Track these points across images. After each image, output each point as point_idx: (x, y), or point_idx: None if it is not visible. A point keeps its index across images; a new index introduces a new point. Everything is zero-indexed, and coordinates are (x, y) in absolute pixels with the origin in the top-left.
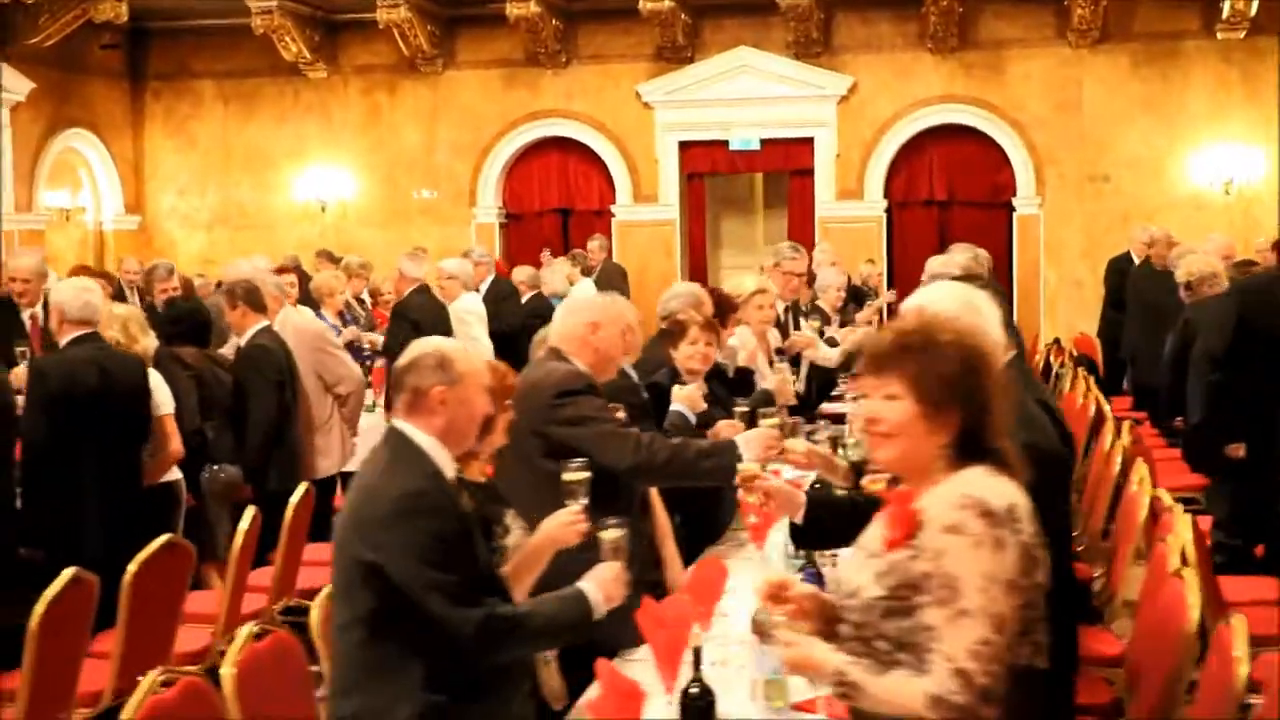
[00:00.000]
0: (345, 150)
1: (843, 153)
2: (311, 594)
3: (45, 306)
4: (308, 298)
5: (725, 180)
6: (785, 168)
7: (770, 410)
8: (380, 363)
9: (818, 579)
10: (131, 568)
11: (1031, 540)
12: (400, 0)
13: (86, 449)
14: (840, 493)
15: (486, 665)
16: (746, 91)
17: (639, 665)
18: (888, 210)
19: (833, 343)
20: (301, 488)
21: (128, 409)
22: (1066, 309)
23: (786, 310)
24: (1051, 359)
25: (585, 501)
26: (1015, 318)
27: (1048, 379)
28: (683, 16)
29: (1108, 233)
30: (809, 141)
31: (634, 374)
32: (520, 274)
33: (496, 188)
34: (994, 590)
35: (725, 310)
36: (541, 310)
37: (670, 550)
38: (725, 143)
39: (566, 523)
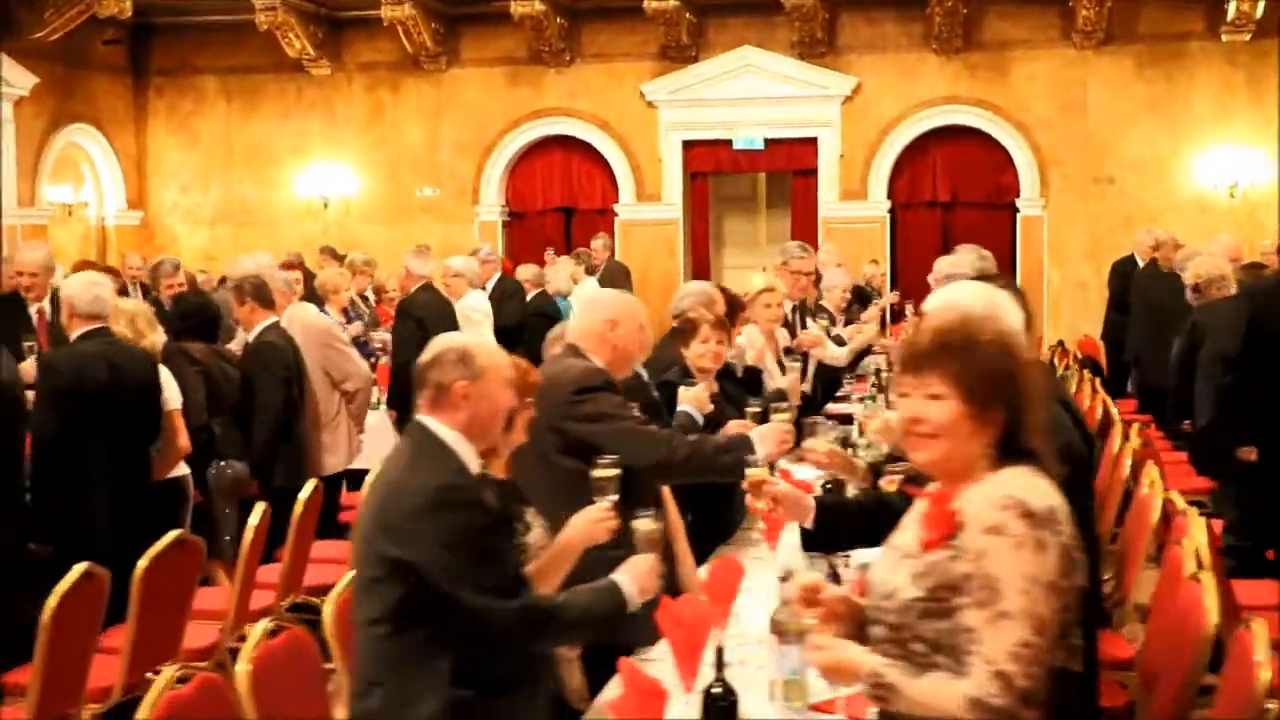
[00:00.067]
0: (348, 147)
1: (846, 153)
2: (319, 591)
3: (53, 301)
4: (312, 294)
5: (728, 180)
6: (789, 168)
7: (783, 406)
8: (385, 360)
9: (835, 579)
10: (142, 563)
11: (1071, 542)
12: None
13: (96, 444)
14: (854, 493)
15: (519, 657)
16: (750, 91)
17: (655, 665)
18: (891, 211)
19: (839, 341)
20: (310, 484)
21: (137, 404)
22: (1070, 311)
23: (794, 309)
24: (1055, 361)
25: (615, 498)
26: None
27: None
28: (687, 15)
29: (1111, 234)
30: (813, 141)
31: (644, 373)
32: (524, 272)
33: (499, 186)
34: (1035, 592)
35: (733, 309)
36: (545, 308)
37: (682, 548)
38: (729, 142)
39: (596, 519)
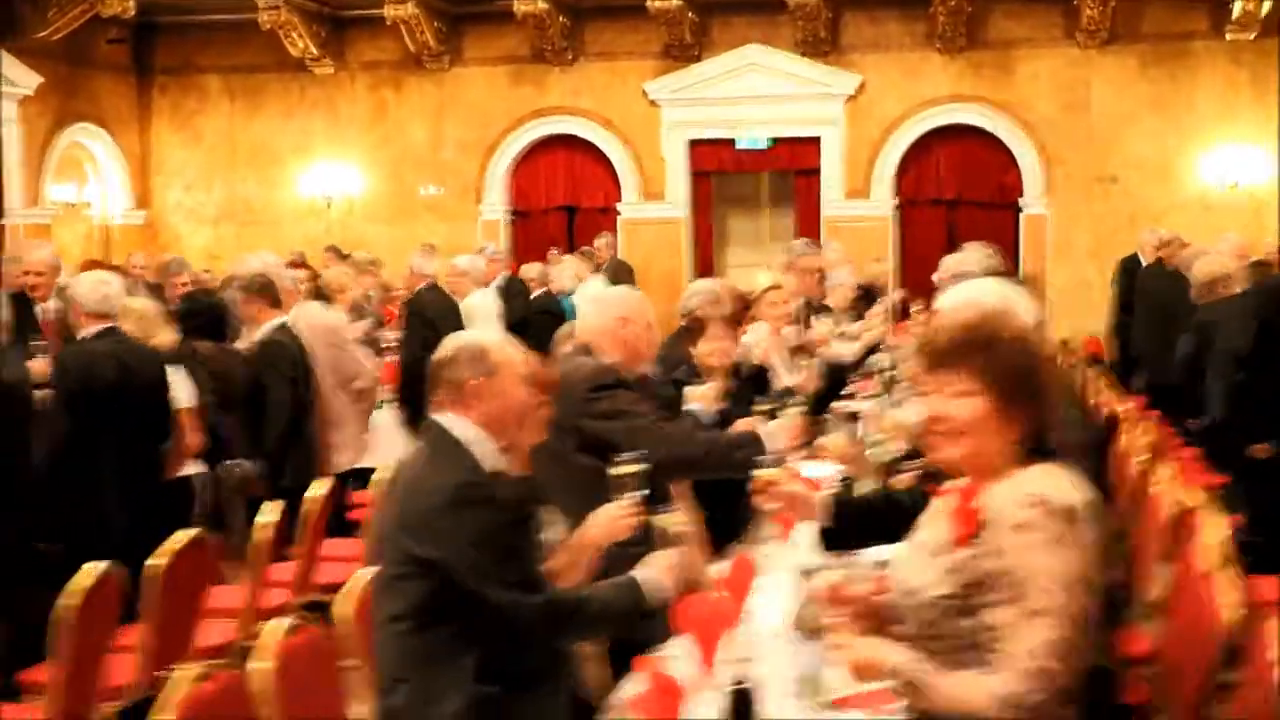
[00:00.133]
0: (351, 146)
1: (850, 152)
2: (331, 589)
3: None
4: (318, 293)
5: (732, 178)
6: (792, 166)
7: (794, 401)
8: (390, 359)
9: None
10: (159, 561)
11: (1097, 537)
12: None
13: (106, 442)
14: (869, 490)
15: (543, 652)
16: (754, 90)
17: (672, 661)
18: (896, 209)
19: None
20: (323, 483)
21: (147, 402)
22: (1074, 310)
23: (803, 307)
24: (1060, 359)
25: (636, 495)
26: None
27: None
28: (690, 14)
29: (1115, 233)
30: (816, 140)
31: (654, 371)
32: (529, 271)
33: (503, 185)
34: (1064, 588)
35: (740, 307)
36: (550, 307)
37: (695, 545)
38: (732, 141)
39: (616, 516)
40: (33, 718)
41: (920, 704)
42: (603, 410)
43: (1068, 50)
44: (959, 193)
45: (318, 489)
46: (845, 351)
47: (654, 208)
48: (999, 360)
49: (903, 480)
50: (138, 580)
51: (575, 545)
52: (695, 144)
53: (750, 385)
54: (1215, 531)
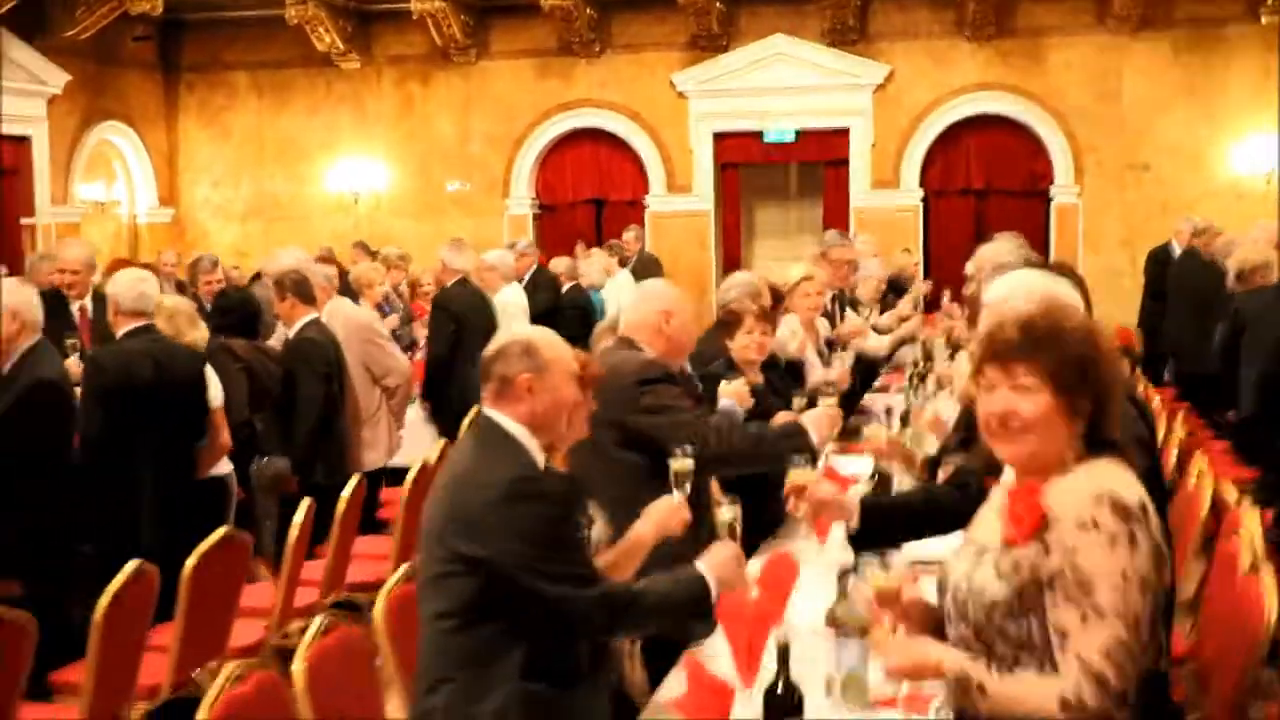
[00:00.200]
0: (378, 141)
1: (879, 142)
2: (360, 588)
3: (95, 298)
4: (346, 289)
5: (759, 170)
6: (820, 158)
7: (829, 390)
8: (420, 355)
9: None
10: (191, 560)
11: (1159, 537)
12: None
13: (142, 441)
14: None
15: (597, 645)
16: (782, 80)
17: (713, 660)
18: (924, 200)
19: (878, 330)
20: (353, 480)
21: (183, 401)
22: (1105, 299)
23: (834, 299)
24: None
25: (688, 489)
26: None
27: None
28: (718, 4)
29: (1147, 222)
30: (844, 131)
31: (688, 365)
32: (558, 265)
33: (529, 178)
34: (1128, 589)
35: (773, 300)
36: (579, 301)
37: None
38: (760, 134)
39: (671, 511)
40: (66, 718)
41: (974, 706)
42: (648, 405)
43: (1098, 37)
44: (988, 182)
45: (348, 487)
46: (877, 345)
47: (681, 200)
48: (1062, 353)
49: (941, 475)
50: (170, 580)
51: (628, 541)
52: (722, 136)
53: (788, 377)
54: (1254, 527)
